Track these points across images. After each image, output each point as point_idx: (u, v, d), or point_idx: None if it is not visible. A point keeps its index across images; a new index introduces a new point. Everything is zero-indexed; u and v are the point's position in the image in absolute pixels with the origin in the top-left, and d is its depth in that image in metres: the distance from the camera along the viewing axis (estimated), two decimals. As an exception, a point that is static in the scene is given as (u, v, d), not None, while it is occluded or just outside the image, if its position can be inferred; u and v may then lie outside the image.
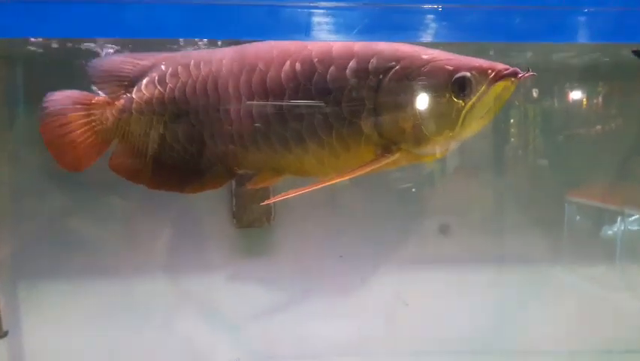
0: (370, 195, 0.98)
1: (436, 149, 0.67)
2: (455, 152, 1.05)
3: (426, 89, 0.63)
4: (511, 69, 0.61)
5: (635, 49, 0.80)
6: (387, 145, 0.67)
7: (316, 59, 0.69)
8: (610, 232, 1.11)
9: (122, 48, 0.80)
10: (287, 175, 0.77)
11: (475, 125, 0.64)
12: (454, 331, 1.02)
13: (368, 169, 0.67)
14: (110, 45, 0.81)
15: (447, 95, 0.62)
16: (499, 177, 1.08)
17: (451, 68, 0.62)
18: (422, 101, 0.63)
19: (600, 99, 1.08)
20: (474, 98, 0.61)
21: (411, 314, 1.01)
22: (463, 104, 0.62)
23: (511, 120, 1.07)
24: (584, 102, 1.08)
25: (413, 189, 1.02)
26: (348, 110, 0.67)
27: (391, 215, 1.01)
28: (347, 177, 0.67)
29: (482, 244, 1.05)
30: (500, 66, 0.61)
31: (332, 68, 0.68)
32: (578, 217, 1.11)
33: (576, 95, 1.07)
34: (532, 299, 1.04)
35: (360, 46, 0.68)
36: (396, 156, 0.66)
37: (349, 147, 0.69)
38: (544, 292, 1.05)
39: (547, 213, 1.08)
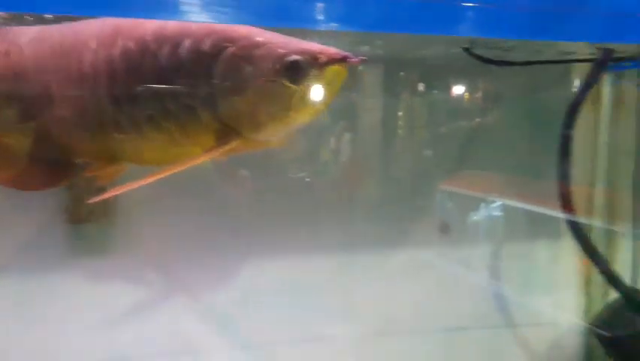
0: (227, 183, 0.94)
1: (274, 135, 0.65)
2: (345, 142, 1.06)
3: (259, 72, 0.61)
4: (342, 54, 0.60)
5: (465, 46, 0.84)
6: (226, 130, 0.64)
7: (150, 38, 0.64)
8: (475, 218, 1.18)
9: None
10: (126, 163, 0.72)
11: (309, 111, 0.63)
12: (321, 317, 1.02)
13: (205, 158, 0.63)
14: None
15: (279, 78, 0.60)
16: (385, 168, 1.10)
17: (283, 51, 0.60)
18: (255, 84, 0.61)
19: (480, 94, 1.13)
20: (306, 83, 0.60)
21: (276, 306, 1.00)
22: (295, 88, 0.60)
23: (399, 113, 1.10)
24: (467, 96, 1.13)
25: (307, 179, 1.01)
26: (183, 93, 0.63)
27: (256, 206, 0.98)
28: (182, 168, 0.63)
29: (357, 232, 1.06)
30: (332, 51, 0.61)
31: (165, 48, 0.63)
32: (449, 204, 1.17)
33: (460, 89, 1.12)
34: (403, 282, 1.07)
35: (196, 25, 0.64)
36: (235, 142, 0.64)
37: (188, 133, 0.65)
38: (416, 275, 1.08)
39: (426, 201, 1.12)
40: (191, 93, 0.63)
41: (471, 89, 1.13)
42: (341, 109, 1.04)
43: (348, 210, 1.06)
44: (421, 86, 1.10)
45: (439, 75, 1.09)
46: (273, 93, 0.61)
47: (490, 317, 1.11)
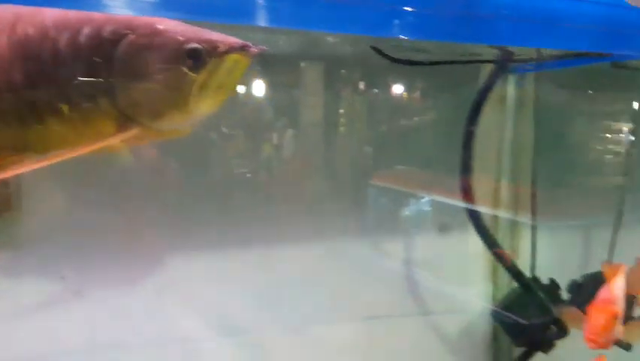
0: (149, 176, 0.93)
1: (175, 124, 0.65)
2: (290, 139, 1.06)
3: (158, 60, 0.61)
4: (241, 43, 0.61)
5: (373, 45, 0.87)
6: (126, 119, 0.64)
7: (50, 24, 0.63)
8: (407, 213, 1.23)
9: None
10: (30, 154, 0.70)
11: (211, 101, 0.63)
12: (240, 311, 1.02)
13: (100, 145, 0.63)
14: None
15: (178, 67, 0.60)
16: (328, 164, 1.12)
17: (182, 39, 0.61)
18: (154, 73, 0.61)
19: (419, 93, 1.17)
20: (205, 71, 0.61)
21: (193, 302, 0.99)
22: (194, 76, 0.61)
23: (341, 111, 1.12)
24: (405, 95, 1.16)
25: (249, 175, 1.00)
26: (83, 80, 0.63)
27: (185, 199, 0.98)
28: (75, 154, 0.62)
29: (293, 225, 1.07)
30: (231, 40, 0.61)
31: (65, 35, 0.62)
32: (383, 200, 1.21)
33: (399, 88, 1.15)
34: (335, 274, 1.09)
35: (98, 14, 0.63)
36: (135, 131, 0.64)
37: (89, 122, 0.64)
38: (334, 266, 1.11)
39: (362, 196, 1.14)
40: (91, 81, 0.62)
41: (407, 89, 1.17)
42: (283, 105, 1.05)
43: (280, 204, 1.07)
44: (353, 85, 1.12)
45: (373, 73, 1.11)
46: (171, 81, 0.61)
47: (406, 305, 1.15)
